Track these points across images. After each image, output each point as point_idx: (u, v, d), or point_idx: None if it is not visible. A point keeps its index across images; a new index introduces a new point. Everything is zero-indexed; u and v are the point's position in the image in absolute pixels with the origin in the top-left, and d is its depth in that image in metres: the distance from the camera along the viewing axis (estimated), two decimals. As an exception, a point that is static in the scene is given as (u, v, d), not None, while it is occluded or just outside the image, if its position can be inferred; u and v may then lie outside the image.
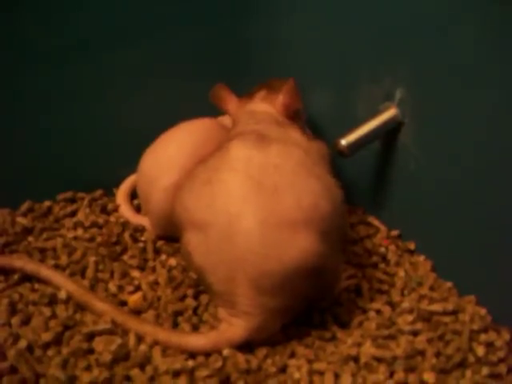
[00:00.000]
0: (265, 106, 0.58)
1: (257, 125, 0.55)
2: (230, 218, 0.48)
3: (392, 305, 0.56)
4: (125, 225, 0.64)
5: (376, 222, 0.65)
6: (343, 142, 0.58)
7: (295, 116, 0.59)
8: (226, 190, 0.49)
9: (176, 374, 0.47)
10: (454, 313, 0.53)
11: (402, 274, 0.58)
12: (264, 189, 0.49)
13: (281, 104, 0.58)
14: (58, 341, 0.51)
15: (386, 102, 0.59)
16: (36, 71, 0.63)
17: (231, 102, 0.60)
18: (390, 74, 0.59)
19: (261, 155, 0.51)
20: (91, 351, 0.50)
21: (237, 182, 0.49)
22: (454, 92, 0.53)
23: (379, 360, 0.49)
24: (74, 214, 0.66)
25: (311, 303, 0.53)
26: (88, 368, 0.48)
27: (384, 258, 0.61)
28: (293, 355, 0.51)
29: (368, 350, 0.50)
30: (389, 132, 0.60)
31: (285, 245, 0.48)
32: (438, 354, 0.49)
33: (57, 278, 0.55)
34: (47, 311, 0.53)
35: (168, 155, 0.61)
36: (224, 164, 0.51)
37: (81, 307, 0.54)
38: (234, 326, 0.50)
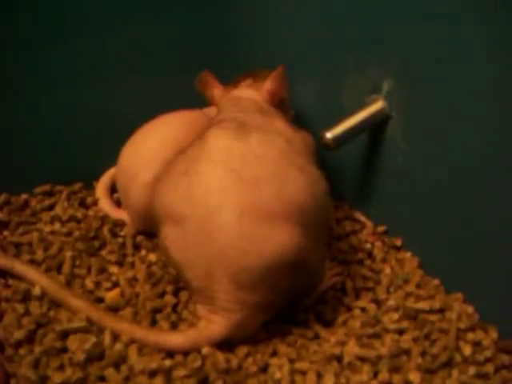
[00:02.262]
0: (250, 93, 0.57)
1: (239, 112, 0.54)
2: (208, 211, 0.47)
3: (377, 302, 0.54)
4: (104, 219, 0.63)
5: (362, 218, 0.64)
6: (328, 134, 0.56)
7: (280, 104, 0.57)
8: (203, 181, 0.48)
9: (152, 373, 0.46)
10: (441, 311, 0.52)
11: (387, 270, 0.57)
12: (244, 180, 0.47)
13: (267, 90, 0.57)
14: (30, 339, 0.49)
15: (373, 95, 0.58)
16: (10, 60, 0.62)
17: (216, 88, 0.59)
18: (377, 66, 0.57)
19: (241, 145, 0.49)
20: (65, 350, 0.48)
21: (215, 174, 0.48)
22: (443, 84, 0.52)
23: (363, 359, 0.48)
24: (51, 207, 0.65)
25: (294, 300, 0.52)
26: (61, 368, 0.47)
27: (370, 255, 0.60)
28: (274, 354, 0.50)
29: (352, 349, 0.48)
30: (376, 125, 0.58)
31: (264, 239, 0.46)
32: (423, 354, 0.48)
33: (31, 273, 0.54)
34: (20, 308, 0.52)
35: (148, 148, 0.60)
36: (202, 154, 0.49)
37: (55, 304, 0.52)
38: (213, 323, 0.48)
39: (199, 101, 0.61)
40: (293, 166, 0.49)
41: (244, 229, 0.46)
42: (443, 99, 0.52)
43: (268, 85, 0.57)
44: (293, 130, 0.54)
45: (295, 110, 0.63)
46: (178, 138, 0.59)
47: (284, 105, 0.59)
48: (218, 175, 0.48)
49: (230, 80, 0.60)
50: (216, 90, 0.59)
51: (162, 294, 0.55)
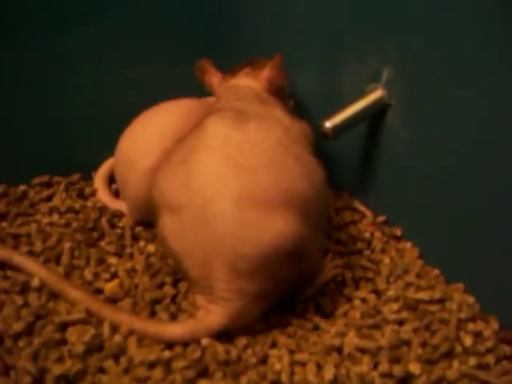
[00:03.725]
0: (248, 81, 0.57)
1: (238, 101, 0.54)
2: (206, 200, 0.47)
3: (377, 293, 0.54)
4: (102, 210, 0.63)
5: (362, 208, 0.63)
6: (328, 124, 0.56)
7: (279, 93, 0.57)
8: (201, 170, 0.47)
9: (152, 365, 0.46)
10: (441, 301, 0.52)
11: (387, 261, 0.57)
12: (241, 168, 0.47)
13: (265, 78, 0.57)
14: (29, 331, 0.49)
15: (372, 83, 0.57)
16: (6, 48, 0.61)
17: (214, 76, 0.59)
18: (376, 54, 0.57)
19: (239, 133, 0.49)
20: (64, 342, 0.48)
21: (213, 162, 0.47)
22: (443, 73, 0.51)
23: (363, 351, 0.48)
24: (49, 198, 0.64)
25: (294, 291, 0.52)
26: (60, 359, 0.46)
27: (369, 245, 0.59)
28: (274, 345, 0.49)
29: (352, 340, 0.48)
30: (375, 114, 0.58)
31: (262, 226, 0.46)
32: (424, 344, 0.48)
33: (30, 264, 0.54)
34: (19, 300, 0.51)
35: (146, 137, 0.59)
36: (200, 143, 0.49)
37: (54, 295, 0.52)
38: (212, 313, 0.48)
39: (198, 89, 0.61)
40: (290, 155, 0.49)
41: (242, 217, 0.46)
42: (443, 87, 0.52)
43: (266, 73, 0.57)
44: (291, 118, 0.54)
45: (295, 100, 0.62)
46: (177, 126, 0.58)
47: (283, 93, 0.58)
48: (215, 164, 0.47)
49: (229, 68, 0.59)
50: (214, 78, 0.59)
51: (161, 285, 0.54)
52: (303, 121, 0.56)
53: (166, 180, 0.49)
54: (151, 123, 0.61)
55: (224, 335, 0.49)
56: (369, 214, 0.63)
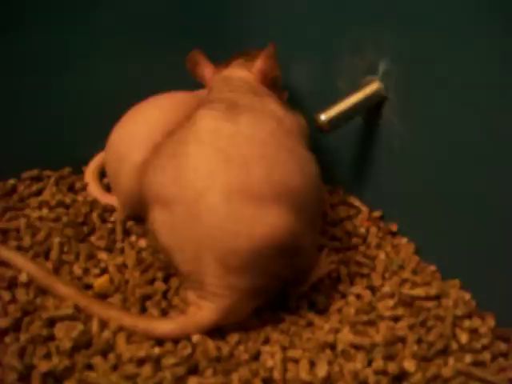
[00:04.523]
0: (241, 73, 0.56)
1: (230, 92, 0.53)
2: (196, 194, 0.46)
3: (372, 289, 0.53)
4: (93, 204, 0.61)
5: (357, 203, 0.62)
6: (323, 117, 0.55)
7: (272, 84, 0.56)
8: (191, 163, 0.46)
9: (141, 361, 0.45)
10: (437, 298, 0.51)
11: (383, 256, 0.56)
12: (232, 162, 0.46)
13: (258, 69, 0.56)
14: (16, 327, 0.48)
15: (368, 76, 0.56)
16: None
17: (206, 68, 0.58)
18: (373, 45, 0.56)
19: (230, 125, 0.48)
20: (51, 338, 0.47)
21: (203, 156, 0.46)
22: (441, 65, 0.51)
23: (357, 347, 0.47)
24: (39, 192, 0.63)
25: (287, 287, 0.51)
26: (47, 356, 0.46)
27: (365, 240, 0.58)
28: (267, 341, 0.48)
29: (346, 336, 0.47)
30: (372, 107, 0.57)
31: (254, 221, 0.45)
32: (419, 341, 0.47)
33: (18, 259, 0.53)
34: (6, 295, 0.50)
35: (137, 132, 0.58)
36: (190, 136, 0.48)
37: (42, 291, 0.51)
38: (203, 309, 0.47)
39: (189, 82, 0.60)
40: (282, 148, 0.48)
41: (233, 211, 0.45)
42: (441, 80, 0.51)
43: (259, 64, 0.56)
44: (285, 110, 0.53)
45: (289, 92, 0.61)
46: (168, 120, 0.57)
47: (276, 84, 0.57)
48: (206, 157, 0.46)
49: (221, 60, 0.58)
50: (206, 70, 0.58)
51: (152, 281, 0.53)
52: (298, 113, 0.55)
53: (156, 175, 0.48)
54: (142, 117, 0.60)
55: (216, 331, 0.48)
56: (364, 209, 0.62)
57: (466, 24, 0.48)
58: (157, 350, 0.45)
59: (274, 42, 0.55)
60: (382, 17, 0.54)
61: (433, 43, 0.51)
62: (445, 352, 0.47)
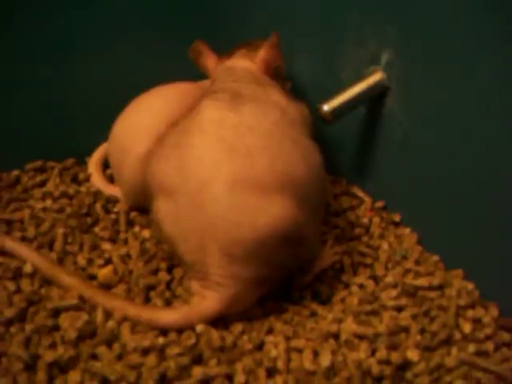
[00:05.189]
0: (245, 63, 0.56)
1: (234, 83, 0.52)
2: (200, 184, 0.46)
3: (375, 279, 0.53)
4: (97, 195, 0.62)
5: (360, 193, 0.62)
6: (326, 107, 0.55)
7: (276, 74, 0.56)
8: (195, 154, 0.46)
9: (145, 351, 0.45)
10: (440, 287, 0.51)
11: (386, 246, 0.56)
12: (236, 152, 0.46)
13: (261, 59, 0.55)
14: (21, 317, 0.48)
15: (371, 66, 0.56)
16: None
17: (210, 58, 0.58)
18: (376, 35, 0.55)
19: (233, 116, 0.48)
20: (56, 328, 0.47)
21: (207, 146, 0.46)
22: (444, 55, 0.50)
23: (361, 337, 0.47)
24: (43, 183, 0.64)
25: (291, 277, 0.51)
26: (52, 346, 0.46)
27: (367, 231, 0.58)
28: (270, 331, 0.49)
29: (349, 326, 0.48)
30: (374, 97, 0.57)
31: (258, 211, 0.45)
32: (422, 331, 0.47)
33: (22, 250, 0.53)
34: (11, 286, 0.51)
35: (140, 123, 0.58)
36: (194, 126, 0.48)
37: (47, 281, 0.51)
38: (206, 299, 0.47)
39: (193, 73, 0.60)
40: (286, 138, 0.48)
41: (236, 201, 0.45)
42: (444, 70, 0.51)
43: (262, 53, 0.56)
44: (288, 100, 0.53)
45: (292, 82, 0.61)
46: (171, 111, 0.57)
47: (280, 74, 0.57)
48: (210, 147, 0.46)
49: (224, 51, 0.58)
50: (210, 60, 0.58)
51: (156, 271, 0.53)
52: (301, 102, 0.55)
53: (160, 164, 0.48)
54: (145, 108, 0.60)
55: (219, 321, 0.48)
56: (367, 199, 0.62)
57: (468, 13, 0.48)
58: (161, 340, 0.45)
59: (276, 31, 0.55)
60: (385, 7, 0.54)
61: (435, 33, 0.50)
62: (448, 342, 0.47)
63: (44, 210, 0.59)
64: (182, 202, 0.46)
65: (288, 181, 0.46)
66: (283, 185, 0.46)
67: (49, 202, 0.60)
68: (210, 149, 0.46)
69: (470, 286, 0.51)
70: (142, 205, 0.58)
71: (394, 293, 0.51)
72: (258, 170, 0.46)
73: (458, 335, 0.47)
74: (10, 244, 0.53)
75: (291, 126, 0.50)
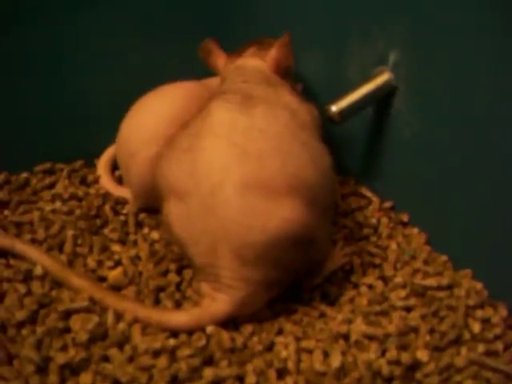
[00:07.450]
0: (255, 62, 0.55)
1: (244, 83, 0.52)
2: (212, 187, 0.46)
3: (384, 279, 0.53)
4: (105, 197, 0.62)
5: (368, 193, 0.62)
6: (334, 108, 0.55)
7: (286, 73, 0.56)
8: (207, 157, 0.47)
9: (156, 353, 0.45)
10: (449, 287, 0.51)
11: (394, 247, 0.56)
12: (247, 155, 0.46)
13: (272, 58, 0.55)
14: (32, 319, 0.48)
15: (379, 66, 0.56)
16: (8, 36, 0.60)
17: (219, 57, 0.57)
18: (383, 35, 0.55)
19: (245, 118, 0.48)
20: (67, 330, 0.48)
21: (219, 149, 0.47)
22: (452, 55, 0.50)
23: (370, 337, 0.47)
24: (52, 185, 0.64)
25: (300, 279, 0.51)
26: (64, 348, 0.46)
27: (376, 231, 0.58)
28: (280, 332, 0.49)
29: (359, 326, 0.48)
30: (382, 97, 0.57)
31: (268, 214, 0.45)
32: (432, 331, 0.48)
33: (32, 252, 0.53)
34: (22, 288, 0.51)
35: (146, 125, 0.58)
36: (205, 129, 0.48)
37: (57, 283, 0.52)
38: (217, 301, 0.48)
39: (201, 72, 0.60)
40: (296, 140, 0.48)
41: (248, 204, 0.45)
42: (452, 70, 0.51)
43: (273, 53, 0.55)
44: (299, 101, 0.53)
45: (304, 84, 0.61)
46: (177, 109, 0.58)
47: (290, 74, 0.57)
48: (221, 151, 0.46)
49: (233, 49, 0.58)
50: (219, 59, 0.57)
51: (166, 273, 0.54)
52: (311, 103, 0.54)
53: (171, 167, 0.48)
54: (150, 108, 0.60)
55: (230, 323, 0.48)
56: (375, 199, 0.62)
57: (477, 12, 0.47)
58: (172, 342, 0.46)
59: (288, 31, 0.55)
60: (393, 7, 0.54)
61: (443, 33, 0.50)
62: (457, 342, 0.47)
63: (53, 212, 0.60)
64: (194, 204, 0.47)
65: (298, 183, 0.46)
66: (293, 187, 0.46)
67: (58, 204, 0.61)
68: (222, 152, 0.46)
69: (479, 285, 0.51)
70: (150, 206, 0.59)
71: (403, 293, 0.51)
72: (268, 173, 0.46)
73: (467, 335, 0.47)
74: (20, 246, 0.54)
75: (301, 128, 0.50)
